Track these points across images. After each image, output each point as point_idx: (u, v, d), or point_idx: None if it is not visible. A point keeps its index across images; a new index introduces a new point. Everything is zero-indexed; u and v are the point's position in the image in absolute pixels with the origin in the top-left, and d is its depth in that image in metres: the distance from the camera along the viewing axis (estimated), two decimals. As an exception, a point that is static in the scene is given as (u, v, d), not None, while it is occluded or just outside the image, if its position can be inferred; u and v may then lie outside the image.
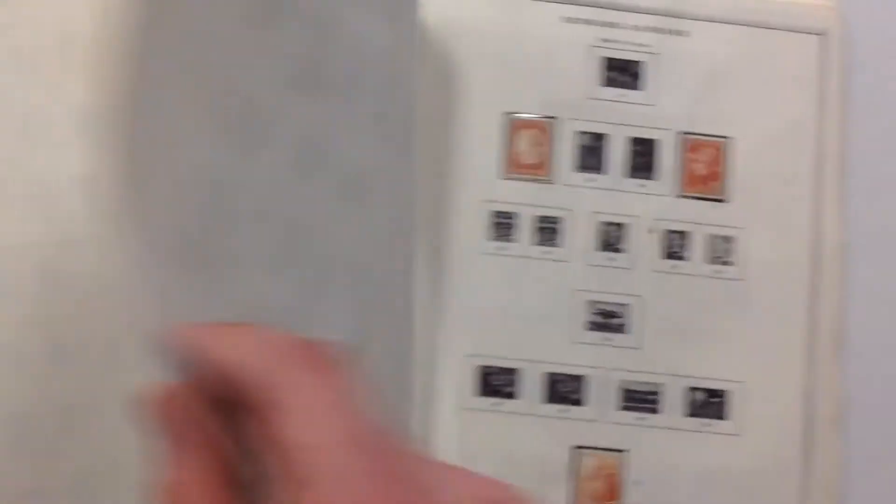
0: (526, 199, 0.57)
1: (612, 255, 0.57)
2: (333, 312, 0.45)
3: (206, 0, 0.42)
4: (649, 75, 0.58)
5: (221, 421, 0.33)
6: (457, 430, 0.55)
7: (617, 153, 0.57)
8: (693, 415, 0.56)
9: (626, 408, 0.56)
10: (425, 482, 0.31)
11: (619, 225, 0.57)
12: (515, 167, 0.57)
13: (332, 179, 0.44)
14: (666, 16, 0.58)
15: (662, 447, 0.56)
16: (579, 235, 0.57)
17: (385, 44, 0.47)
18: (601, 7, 0.58)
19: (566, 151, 0.57)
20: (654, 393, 0.56)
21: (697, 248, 0.57)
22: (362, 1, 0.46)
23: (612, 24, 0.58)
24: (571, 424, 0.55)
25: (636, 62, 0.58)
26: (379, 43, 0.46)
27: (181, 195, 0.40)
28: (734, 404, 0.56)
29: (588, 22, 0.58)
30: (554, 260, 0.56)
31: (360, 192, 0.46)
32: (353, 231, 0.46)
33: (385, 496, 0.29)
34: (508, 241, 0.56)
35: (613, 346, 0.56)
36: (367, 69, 0.46)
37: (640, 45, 0.58)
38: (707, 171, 0.58)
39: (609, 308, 0.56)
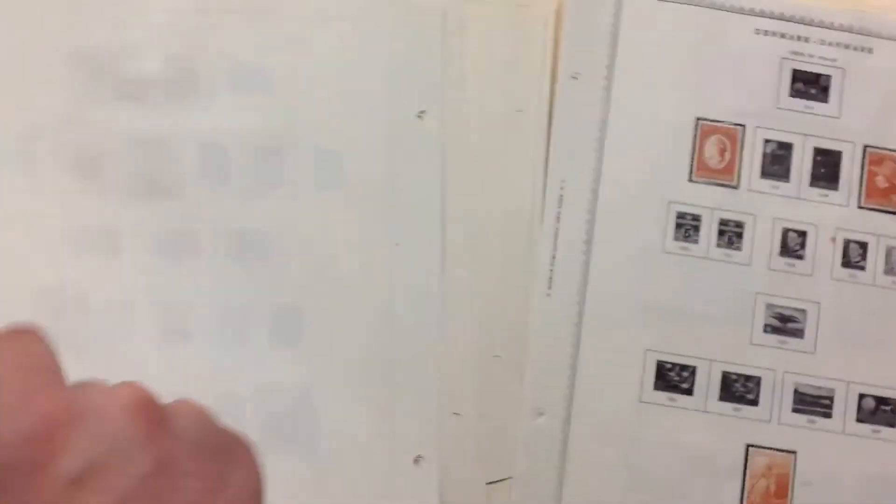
0: (712, 203, 0.58)
1: (792, 260, 0.58)
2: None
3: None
4: (835, 89, 0.60)
5: None
6: (634, 420, 0.57)
7: (801, 162, 0.59)
8: (863, 420, 0.57)
9: (797, 410, 0.58)
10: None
11: (800, 232, 0.59)
12: (703, 171, 0.59)
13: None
14: (852, 32, 0.60)
15: (832, 450, 0.57)
16: (761, 240, 0.58)
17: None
18: (793, 21, 0.60)
19: (753, 158, 0.59)
20: (827, 397, 0.58)
21: (876, 259, 0.58)
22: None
23: (802, 38, 0.60)
24: (744, 423, 0.57)
25: (823, 75, 0.60)
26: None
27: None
28: (904, 413, 0.57)
29: (780, 35, 0.60)
30: (735, 263, 0.58)
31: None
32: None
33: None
34: (692, 241, 0.58)
35: (789, 350, 0.58)
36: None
37: (828, 59, 0.60)
38: (888, 185, 0.59)
39: (787, 312, 0.58)
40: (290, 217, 0.58)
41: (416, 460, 0.57)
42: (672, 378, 0.57)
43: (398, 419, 0.57)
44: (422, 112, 0.58)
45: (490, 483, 0.57)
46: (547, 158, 0.59)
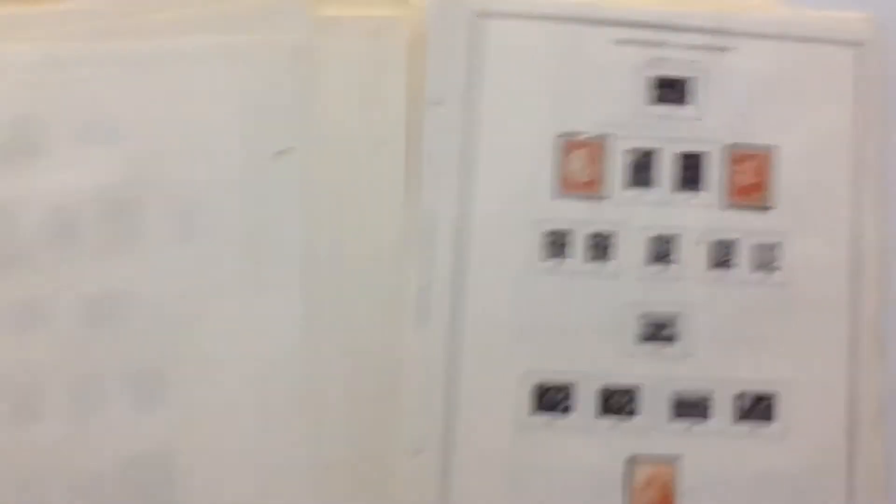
0: (579, 217, 0.58)
1: (662, 267, 0.58)
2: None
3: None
4: (696, 91, 0.59)
5: None
6: (516, 447, 0.57)
7: (666, 168, 0.59)
8: (742, 419, 0.58)
9: (677, 416, 0.58)
10: None
11: (668, 238, 0.59)
12: (569, 186, 0.58)
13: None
14: (711, 34, 0.59)
15: (714, 453, 0.58)
16: (630, 250, 0.58)
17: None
18: (651, 28, 0.59)
19: (617, 169, 0.59)
20: (705, 399, 0.58)
21: (744, 257, 0.59)
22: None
23: (661, 44, 0.59)
24: (626, 436, 0.58)
25: (684, 79, 0.59)
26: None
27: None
28: (781, 406, 0.59)
29: (639, 43, 0.59)
30: (606, 275, 0.58)
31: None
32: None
33: None
34: (563, 258, 0.58)
35: (665, 357, 0.58)
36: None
37: (688, 62, 0.60)
38: (752, 182, 0.59)
39: (661, 319, 0.58)
40: (145, 275, 0.57)
41: None
42: (551, 399, 0.57)
43: (271, 473, 0.56)
44: (280, 152, 0.56)
45: None
46: (413, 188, 0.57)
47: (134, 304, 0.57)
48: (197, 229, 0.57)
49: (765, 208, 0.59)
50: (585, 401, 0.58)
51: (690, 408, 0.58)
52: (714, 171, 0.59)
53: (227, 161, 0.58)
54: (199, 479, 0.56)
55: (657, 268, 0.58)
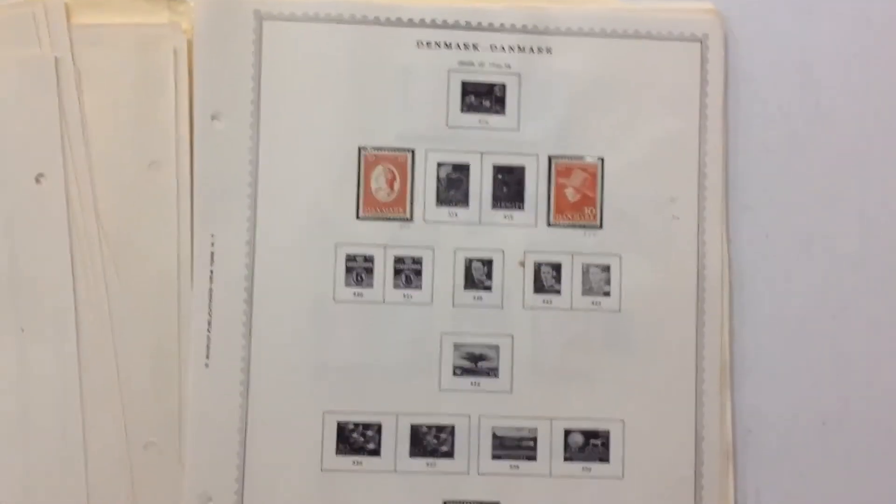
0: (384, 240, 0.53)
1: (479, 293, 0.53)
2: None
3: None
4: (512, 98, 0.54)
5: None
6: (317, 492, 0.51)
7: (480, 183, 0.53)
8: (571, 459, 0.53)
9: (498, 456, 0.52)
10: None
11: (486, 261, 0.53)
12: (371, 206, 0.53)
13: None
14: (527, 32, 0.54)
15: (539, 496, 0.52)
16: (442, 275, 0.53)
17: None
18: (459, 28, 0.53)
19: (426, 186, 0.53)
20: (529, 438, 0.53)
21: (572, 280, 0.53)
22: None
23: (470, 46, 0.53)
24: (440, 478, 0.52)
25: (497, 85, 0.54)
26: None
27: None
28: (616, 445, 0.52)
29: (445, 45, 0.54)
30: (416, 303, 0.53)
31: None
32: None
33: None
34: (366, 286, 0.52)
35: (483, 391, 0.53)
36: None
37: (502, 65, 0.54)
38: (579, 197, 0.54)
39: (478, 350, 0.53)
40: None
41: None
42: (356, 440, 0.52)
43: None
44: (40, 175, 0.51)
45: None
46: (192, 212, 0.51)
47: None
48: None
49: (594, 226, 0.53)
50: (394, 441, 0.52)
51: (513, 448, 0.52)
52: (535, 186, 0.53)
53: None
54: None
55: (474, 294, 0.52)
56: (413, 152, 0.54)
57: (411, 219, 0.53)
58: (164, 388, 0.52)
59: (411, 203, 0.53)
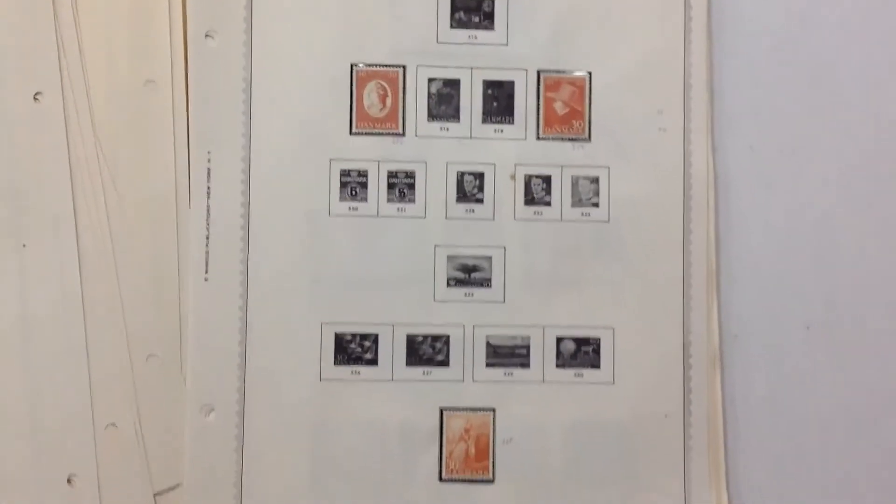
0: (377, 155, 0.54)
1: (471, 205, 0.54)
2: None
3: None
4: (500, 13, 0.55)
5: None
6: (316, 402, 0.53)
7: (471, 98, 0.54)
8: (563, 366, 0.54)
9: (492, 364, 0.54)
10: None
11: (477, 174, 0.54)
12: (364, 121, 0.54)
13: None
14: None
15: (532, 402, 0.54)
16: (434, 188, 0.54)
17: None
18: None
19: (417, 101, 0.54)
20: (522, 346, 0.54)
21: (562, 192, 0.54)
22: None
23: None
24: (436, 386, 0.54)
25: (486, 0, 0.54)
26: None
27: None
28: (606, 352, 0.54)
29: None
30: (409, 216, 0.54)
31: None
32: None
33: None
34: (360, 200, 0.53)
35: (477, 302, 0.54)
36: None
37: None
38: (567, 110, 0.55)
39: (471, 262, 0.54)
40: None
41: (70, 480, 0.53)
42: (353, 350, 0.54)
43: (46, 438, 0.53)
44: (38, 93, 0.52)
45: (158, 493, 0.54)
46: (188, 130, 0.52)
47: None
48: None
49: (583, 139, 0.54)
50: (391, 351, 0.54)
51: (507, 356, 0.54)
52: (525, 100, 0.54)
53: None
54: None
55: (466, 206, 0.54)
56: (404, 68, 0.55)
57: (403, 134, 0.54)
58: (165, 302, 0.53)
59: (403, 118, 0.55)
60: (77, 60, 0.53)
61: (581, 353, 0.54)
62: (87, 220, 0.53)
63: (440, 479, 0.53)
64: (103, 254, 0.53)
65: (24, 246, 0.52)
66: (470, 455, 0.54)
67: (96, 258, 0.53)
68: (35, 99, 0.53)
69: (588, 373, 0.54)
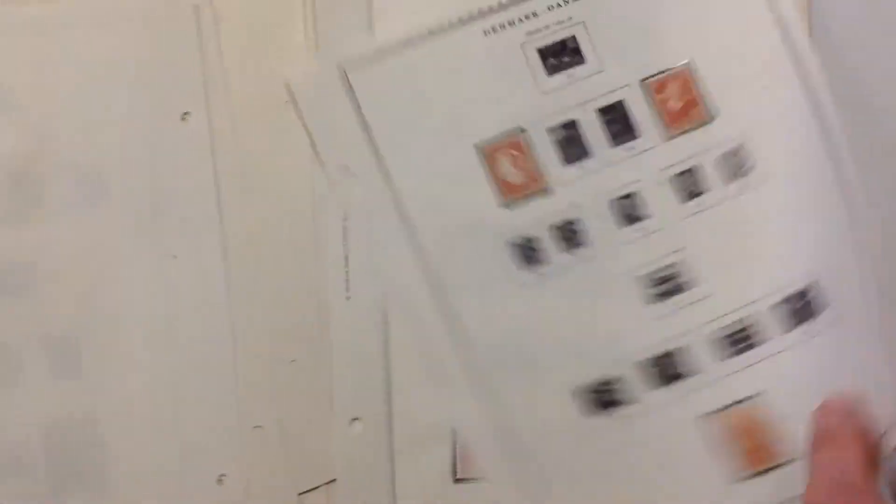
0: (533, 218, 0.55)
1: (638, 226, 0.55)
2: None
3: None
4: (586, 42, 0.56)
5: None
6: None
7: (593, 131, 0.56)
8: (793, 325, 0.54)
9: (727, 356, 0.54)
10: None
11: (629, 195, 0.55)
12: (510, 192, 0.55)
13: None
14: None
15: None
16: (599, 224, 0.55)
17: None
18: (513, 5, 0.56)
19: (548, 153, 0.55)
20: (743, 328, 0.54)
21: (713, 176, 0.55)
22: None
23: (530, 16, 0.56)
24: (687, 397, 0.54)
25: (567, 39, 0.56)
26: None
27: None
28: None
29: (509, 24, 0.56)
30: (584, 259, 0.55)
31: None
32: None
33: None
34: (540, 263, 0.54)
35: (681, 307, 0.54)
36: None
37: (564, 21, 0.56)
38: (683, 103, 0.56)
39: (664, 274, 0.55)
40: (53, 242, 0.56)
41: (220, 479, 0.55)
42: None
43: (195, 439, 0.55)
44: (185, 114, 0.56)
45: (302, 493, 0.56)
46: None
47: (42, 272, 0.56)
48: (104, 194, 0.57)
49: (708, 122, 0.56)
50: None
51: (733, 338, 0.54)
52: (641, 111, 0.56)
53: (132, 124, 0.57)
54: (123, 444, 0.56)
55: (632, 229, 0.55)
56: (522, 129, 0.56)
57: (550, 188, 0.55)
58: (306, 311, 0.56)
59: (542, 174, 0.56)
60: (220, 80, 0.57)
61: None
62: (231, 231, 0.56)
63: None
64: (249, 264, 0.56)
65: (174, 257, 0.56)
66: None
67: (241, 268, 0.56)
68: (182, 119, 0.56)
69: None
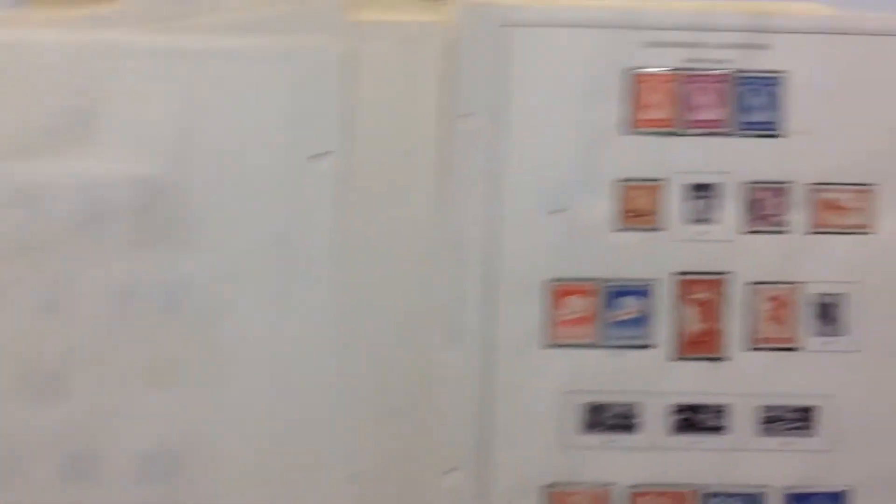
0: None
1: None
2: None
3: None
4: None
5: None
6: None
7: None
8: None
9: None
10: None
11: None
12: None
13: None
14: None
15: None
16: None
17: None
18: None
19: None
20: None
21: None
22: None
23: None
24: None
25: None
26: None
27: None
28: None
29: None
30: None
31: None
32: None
33: None
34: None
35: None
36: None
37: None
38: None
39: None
40: (175, 267, 0.57)
41: None
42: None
43: (291, 484, 0.56)
44: (317, 154, 0.57)
45: None
46: (443, 200, 0.58)
47: (161, 296, 0.57)
48: (229, 226, 0.57)
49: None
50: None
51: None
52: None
53: (267, 162, 0.57)
54: (220, 477, 0.57)
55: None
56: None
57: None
58: (411, 361, 0.57)
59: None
60: (351, 127, 0.57)
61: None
62: (347, 275, 0.57)
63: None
64: (356, 308, 0.57)
65: (287, 294, 0.57)
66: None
67: (350, 312, 0.57)
68: (312, 161, 0.57)
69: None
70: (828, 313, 0.57)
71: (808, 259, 0.58)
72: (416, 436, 0.57)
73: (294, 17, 0.57)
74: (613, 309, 0.58)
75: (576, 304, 0.58)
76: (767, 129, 0.58)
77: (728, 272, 0.57)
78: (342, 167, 0.57)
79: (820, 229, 0.58)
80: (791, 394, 0.58)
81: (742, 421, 0.58)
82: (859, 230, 0.58)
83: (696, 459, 0.58)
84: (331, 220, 0.57)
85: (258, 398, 0.56)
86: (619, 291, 0.58)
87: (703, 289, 0.57)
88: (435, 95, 0.57)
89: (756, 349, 0.58)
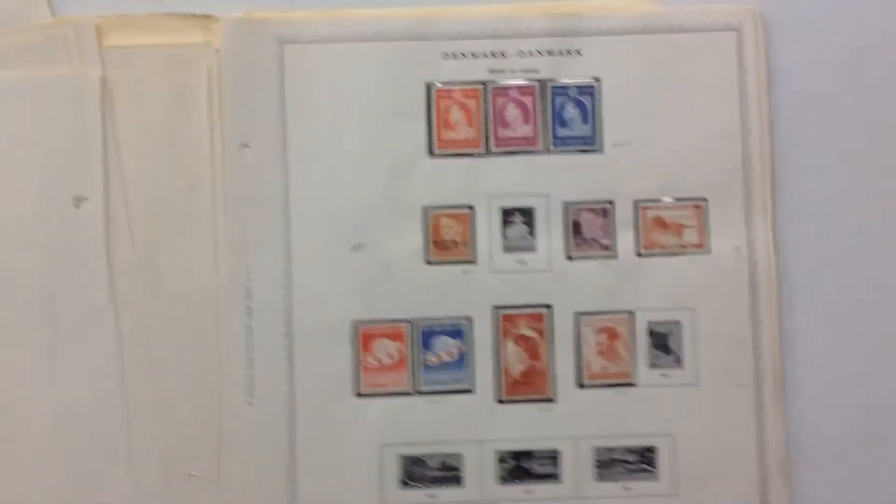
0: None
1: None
2: None
3: None
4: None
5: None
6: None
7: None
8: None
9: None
10: None
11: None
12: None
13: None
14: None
15: None
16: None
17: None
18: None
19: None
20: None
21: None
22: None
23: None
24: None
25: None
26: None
27: None
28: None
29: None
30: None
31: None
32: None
33: None
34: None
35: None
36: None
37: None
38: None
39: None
40: None
41: None
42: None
43: None
44: (78, 199, 0.51)
45: None
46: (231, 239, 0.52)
47: None
48: None
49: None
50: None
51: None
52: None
53: (24, 208, 0.52)
54: None
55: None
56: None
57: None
58: (205, 420, 0.51)
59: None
60: (116, 164, 0.52)
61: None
62: (126, 329, 0.51)
63: None
64: (143, 367, 0.51)
65: (58, 357, 0.51)
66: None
67: (136, 371, 0.51)
68: (76, 205, 0.51)
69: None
70: (661, 343, 0.50)
71: (638, 285, 0.51)
72: (212, 500, 0.51)
73: (42, 46, 0.52)
74: (428, 351, 0.52)
75: (386, 348, 0.51)
76: (583, 144, 0.51)
77: (551, 304, 0.50)
78: (112, 212, 0.52)
79: (649, 251, 0.52)
80: (628, 434, 0.52)
81: (577, 466, 0.52)
82: (690, 250, 0.53)
83: (531, 510, 0.51)
84: (103, 269, 0.52)
85: (43, 465, 0.51)
86: (433, 331, 0.52)
87: (525, 323, 0.51)
88: (205, 125, 0.52)
89: (587, 387, 0.52)
